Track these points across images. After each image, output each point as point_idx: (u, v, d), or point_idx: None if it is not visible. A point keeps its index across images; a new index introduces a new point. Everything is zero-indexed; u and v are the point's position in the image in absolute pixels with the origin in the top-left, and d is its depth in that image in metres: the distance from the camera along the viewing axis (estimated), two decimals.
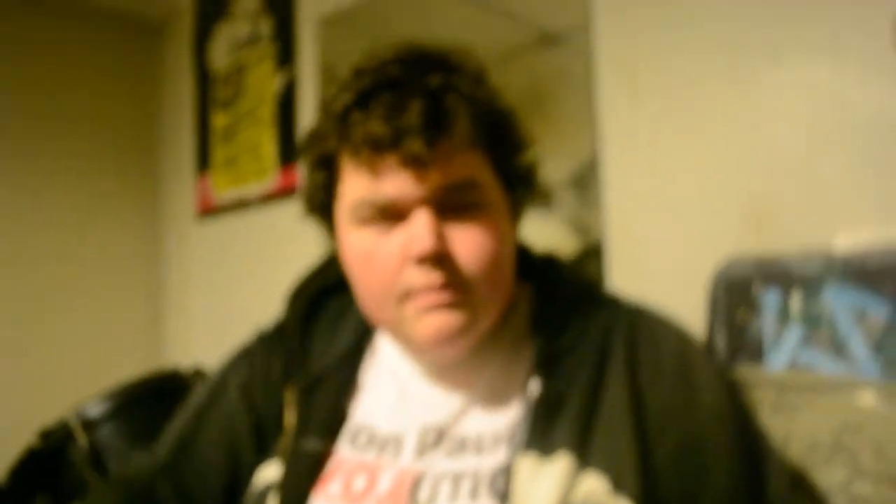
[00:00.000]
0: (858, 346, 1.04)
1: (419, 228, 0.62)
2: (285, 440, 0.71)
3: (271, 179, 2.12)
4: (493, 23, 1.65)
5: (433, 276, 0.62)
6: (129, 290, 2.45)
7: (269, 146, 2.14)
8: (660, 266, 1.30)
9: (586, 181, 1.41)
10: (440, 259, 0.62)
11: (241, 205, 2.22)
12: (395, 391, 0.74)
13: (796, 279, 1.10)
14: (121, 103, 2.46)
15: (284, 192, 2.08)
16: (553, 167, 1.45)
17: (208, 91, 2.39)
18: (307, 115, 2.04)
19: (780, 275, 1.11)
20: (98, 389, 1.52)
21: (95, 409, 1.50)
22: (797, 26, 1.17)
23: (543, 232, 1.43)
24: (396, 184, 0.62)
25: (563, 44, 1.52)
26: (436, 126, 0.61)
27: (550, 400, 0.63)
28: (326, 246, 0.99)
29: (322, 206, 0.73)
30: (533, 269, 0.78)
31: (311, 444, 0.70)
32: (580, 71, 1.46)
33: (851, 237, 1.09)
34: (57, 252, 2.27)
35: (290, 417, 0.72)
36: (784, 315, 1.11)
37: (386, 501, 0.65)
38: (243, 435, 0.75)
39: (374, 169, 0.63)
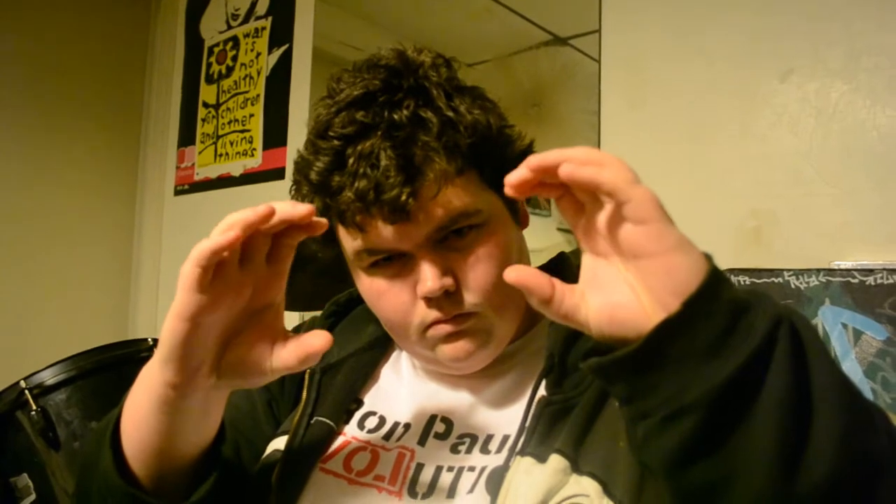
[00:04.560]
0: (851, 368, 1.02)
1: (423, 272, 0.62)
2: (297, 416, 0.72)
3: (257, 158, 2.07)
4: (502, 16, 1.62)
5: (443, 311, 0.63)
6: (101, 258, 2.37)
7: (257, 124, 2.09)
8: None
9: None
10: (447, 294, 0.63)
11: (223, 182, 2.17)
12: (411, 383, 0.75)
13: (793, 295, 1.08)
14: (108, 69, 2.38)
15: (269, 172, 2.03)
16: None
17: (199, 64, 2.33)
18: (300, 95, 1.99)
19: (775, 289, 1.09)
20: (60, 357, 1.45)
21: (49, 376, 1.42)
22: (811, 45, 1.16)
23: (538, 238, 1.40)
24: (388, 237, 0.62)
25: (570, 44, 1.49)
26: (411, 174, 0.60)
27: (555, 407, 0.62)
28: None
29: (328, 242, 0.71)
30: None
31: (321, 422, 0.71)
32: (585, 72, 1.44)
33: (851, 257, 1.07)
34: (28, 214, 2.18)
35: (305, 395, 0.74)
36: None
37: (384, 482, 0.66)
38: (256, 410, 0.78)
39: (364, 226, 0.62)
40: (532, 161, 0.44)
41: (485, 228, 0.64)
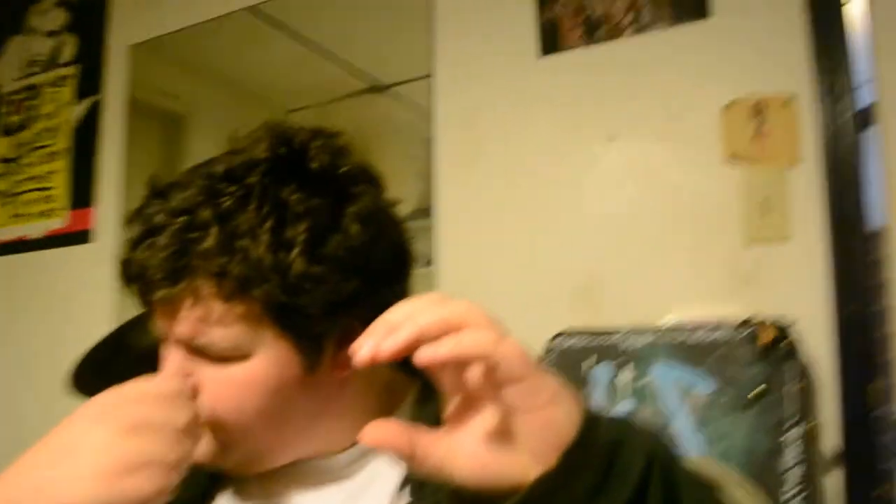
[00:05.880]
0: (683, 421, 1.04)
1: (163, 366, 0.61)
2: None
3: (60, 219, 1.86)
4: (321, 65, 1.58)
5: None
6: None
7: (61, 182, 1.88)
8: None
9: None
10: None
11: (19, 246, 1.92)
12: (260, 491, 0.67)
13: (625, 355, 1.09)
14: None
15: (75, 235, 1.82)
16: None
17: None
18: (111, 150, 1.82)
19: (609, 350, 1.10)
20: None
21: None
22: (635, 107, 1.21)
23: None
24: (155, 314, 0.61)
25: (395, 91, 1.48)
26: (173, 272, 0.56)
27: None
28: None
29: None
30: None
31: None
32: (412, 122, 1.42)
33: (677, 315, 1.11)
34: None
35: None
36: (614, 390, 1.10)
37: None
38: None
39: (143, 291, 0.60)
40: (382, 347, 0.41)
41: (242, 362, 0.58)
